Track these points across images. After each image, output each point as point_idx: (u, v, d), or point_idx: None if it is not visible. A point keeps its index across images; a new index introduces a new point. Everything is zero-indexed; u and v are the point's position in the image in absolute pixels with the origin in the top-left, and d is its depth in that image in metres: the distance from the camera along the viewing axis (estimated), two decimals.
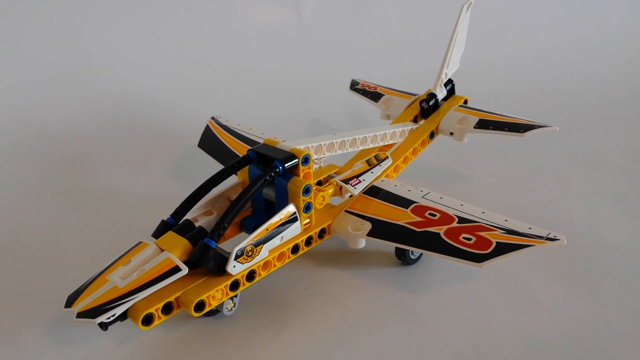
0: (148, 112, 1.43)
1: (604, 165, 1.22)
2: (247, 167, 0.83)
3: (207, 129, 1.18)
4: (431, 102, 1.10)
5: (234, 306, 0.78)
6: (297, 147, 0.82)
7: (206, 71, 1.58)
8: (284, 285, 0.86)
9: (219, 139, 1.13)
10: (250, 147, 0.83)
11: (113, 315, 0.64)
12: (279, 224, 0.77)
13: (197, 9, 1.59)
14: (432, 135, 1.09)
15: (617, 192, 1.11)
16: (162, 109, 1.43)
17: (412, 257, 0.89)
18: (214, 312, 0.79)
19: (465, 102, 1.14)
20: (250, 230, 0.81)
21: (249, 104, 1.53)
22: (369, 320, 0.79)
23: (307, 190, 0.79)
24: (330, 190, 0.86)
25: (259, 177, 0.76)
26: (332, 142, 0.90)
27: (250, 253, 0.73)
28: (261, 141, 1.04)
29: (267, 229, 0.75)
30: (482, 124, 1.05)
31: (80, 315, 0.63)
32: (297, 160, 0.79)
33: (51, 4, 1.46)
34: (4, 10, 1.41)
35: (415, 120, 1.11)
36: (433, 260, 0.90)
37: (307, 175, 0.81)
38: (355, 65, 1.66)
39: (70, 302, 0.66)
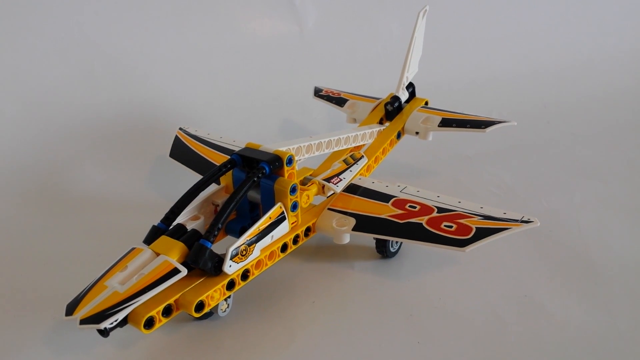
0: (150, 122, 1.42)
1: (610, 176, 1.21)
2: (230, 171, 0.85)
3: (177, 140, 1.19)
4: (395, 105, 1.16)
5: (227, 307, 0.80)
6: (280, 148, 0.84)
7: (208, 84, 1.56)
8: (278, 284, 0.88)
9: (190, 148, 1.14)
10: (227, 154, 0.84)
11: (116, 320, 0.65)
12: (269, 223, 0.79)
13: (199, 23, 1.56)
14: (398, 136, 1.14)
15: (623, 203, 1.10)
16: (162, 119, 1.42)
17: (392, 250, 0.93)
18: (209, 314, 0.80)
19: (426, 103, 1.20)
20: (236, 234, 0.83)
21: (251, 117, 1.52)
22: (375, 331, 0.78)
23: (293, 190, 0.81)
24: (314, 190, 0.89)
25: (247, 179, 0.78)
26: (311, 144, 0.93)
27: (244, 252, 0.75)
28: (234, 149, 1.06)
29: (259, 229, 0.77)
30: (446, 123, 1.11)
31: (84, 321, 0.63)
32: (282, 161, 0.82)
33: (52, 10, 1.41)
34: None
35: (381, 122, 1.16)
36: (441, 273, 0.90)
37: (291, 176, 0.84)
38: (357, 78, 1.64)
39: (70, 310, 0.65)
